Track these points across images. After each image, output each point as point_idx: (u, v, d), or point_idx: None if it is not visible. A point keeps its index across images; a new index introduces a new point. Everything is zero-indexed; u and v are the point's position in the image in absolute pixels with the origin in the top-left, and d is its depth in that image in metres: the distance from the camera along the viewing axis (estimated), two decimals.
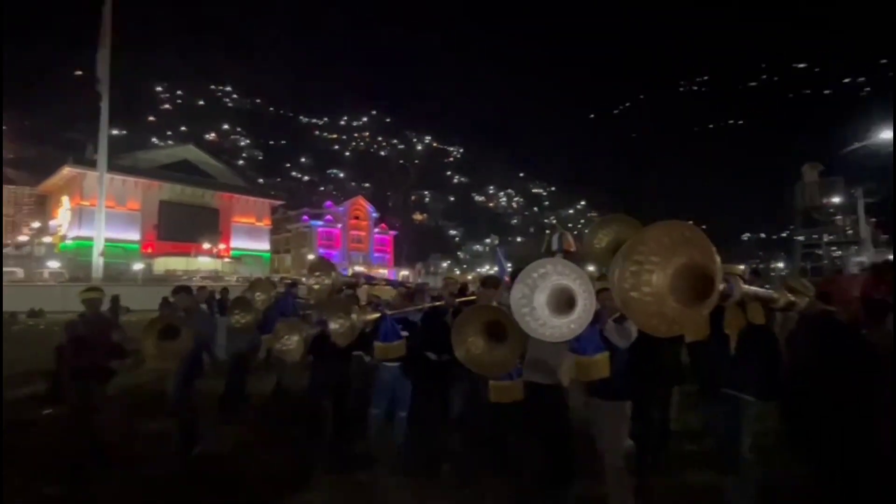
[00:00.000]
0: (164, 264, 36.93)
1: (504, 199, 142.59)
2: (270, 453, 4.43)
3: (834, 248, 25.84)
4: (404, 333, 4.13)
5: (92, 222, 31.71)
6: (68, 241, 38.09)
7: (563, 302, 2.02)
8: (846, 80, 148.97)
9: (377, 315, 3.92)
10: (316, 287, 4.13)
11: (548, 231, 6.24)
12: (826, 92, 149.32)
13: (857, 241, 23.24)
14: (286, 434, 4.85)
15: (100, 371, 4.18)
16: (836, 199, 23.84)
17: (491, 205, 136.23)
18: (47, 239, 39.45)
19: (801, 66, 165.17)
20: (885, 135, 14.98)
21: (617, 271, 1.60)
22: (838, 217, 24.90)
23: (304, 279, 4.63)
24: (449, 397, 4.36)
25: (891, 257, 24.87)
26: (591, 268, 3.75)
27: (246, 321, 4.74)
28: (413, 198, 73.94)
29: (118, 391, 6.97)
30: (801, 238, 26.48)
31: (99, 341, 4.19)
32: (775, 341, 2.60)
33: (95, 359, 4.12)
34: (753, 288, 1.76)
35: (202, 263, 38.57)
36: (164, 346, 3.86)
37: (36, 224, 41.19)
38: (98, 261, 29.52)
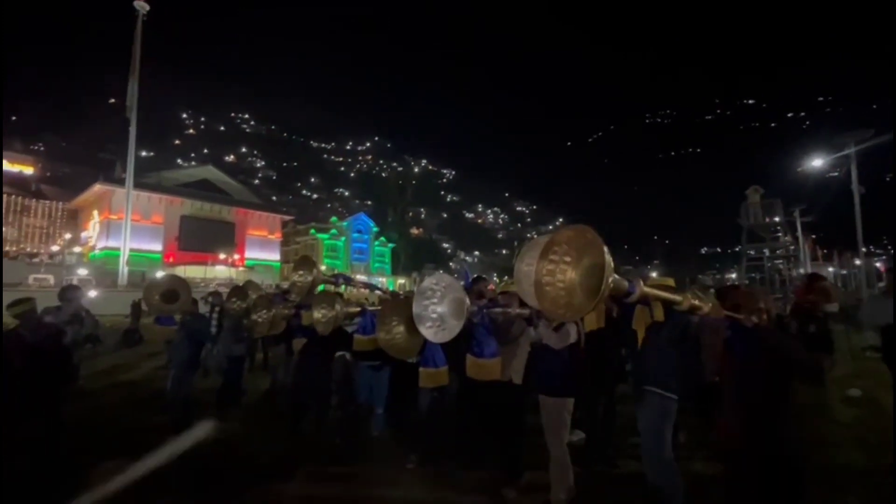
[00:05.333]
0: (183, 273, 36.38)
1: (491, 215, 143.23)
2: (256, 447, 4.30)
3: (778, 261, 26.23)
4: None
5: (119, 234, 31.34)
6: (97, 251, 37.58)
7: (458, 308, 2.36)
8: (789, 115, 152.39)
9: (359, 309, 3.84)
10: (299, 283, 4.07)
11: (516, 244, 6.29)
12: (772, 125, 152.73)
13: (797, 255, 23.62)
14: (274, 429, 4.72)
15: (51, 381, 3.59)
16: (776, 219, 24.27)
17: (479, 221, 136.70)
18: (77, 249, 38.90)
19: (751, 102, 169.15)
20: (816, 163, 15.49)
21: (536, 265, 1.66)
22: (780, 234, 25.32)
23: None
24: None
25: (832, 270, 25.33)
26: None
27: (240, 307, 4.76)
28: (410, 214, 73.79)
29: (124, 388, 6.87)
30: (751, 252, 26.81)
31: (52, 350, 3.67)
32: (677, 338, 2.42)
33: (49, 368, 3.57)
34: (655, 290, 1.76)
35: (218, 272, 38.01)
36: (163, 305, 4.01)
37: (68, 235, 40.63)
38: (123, 269, 29.15)
